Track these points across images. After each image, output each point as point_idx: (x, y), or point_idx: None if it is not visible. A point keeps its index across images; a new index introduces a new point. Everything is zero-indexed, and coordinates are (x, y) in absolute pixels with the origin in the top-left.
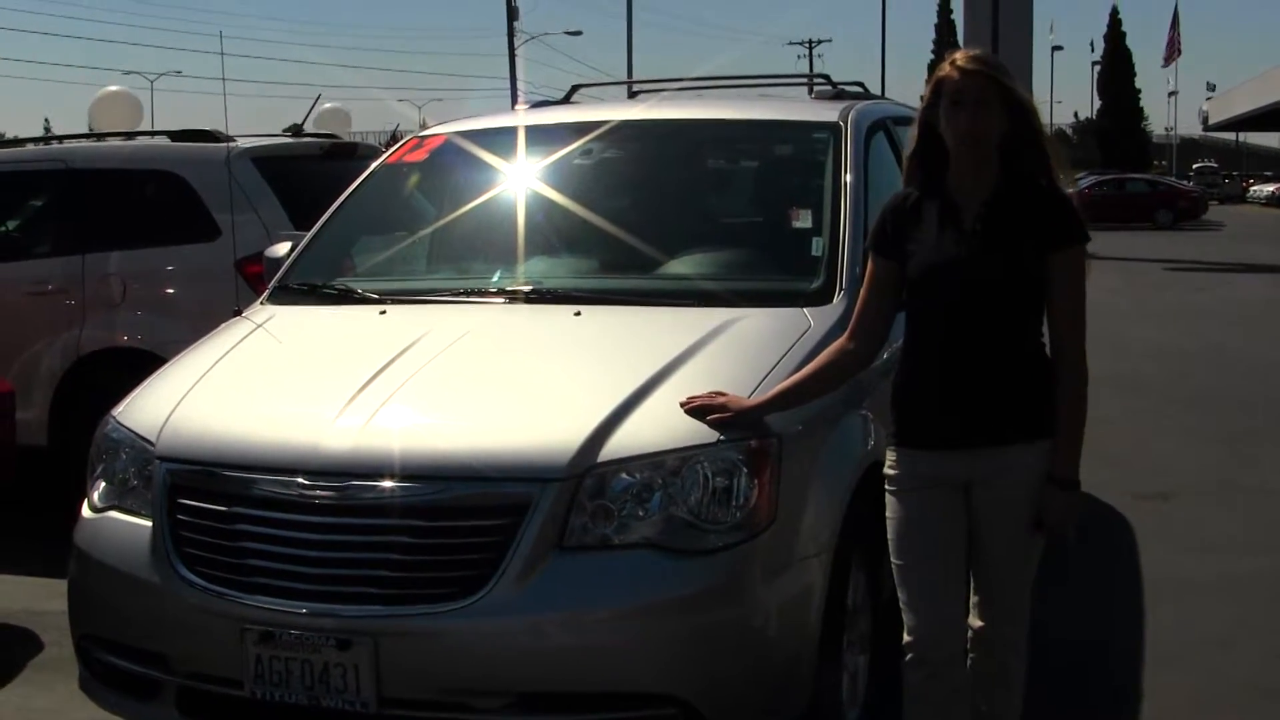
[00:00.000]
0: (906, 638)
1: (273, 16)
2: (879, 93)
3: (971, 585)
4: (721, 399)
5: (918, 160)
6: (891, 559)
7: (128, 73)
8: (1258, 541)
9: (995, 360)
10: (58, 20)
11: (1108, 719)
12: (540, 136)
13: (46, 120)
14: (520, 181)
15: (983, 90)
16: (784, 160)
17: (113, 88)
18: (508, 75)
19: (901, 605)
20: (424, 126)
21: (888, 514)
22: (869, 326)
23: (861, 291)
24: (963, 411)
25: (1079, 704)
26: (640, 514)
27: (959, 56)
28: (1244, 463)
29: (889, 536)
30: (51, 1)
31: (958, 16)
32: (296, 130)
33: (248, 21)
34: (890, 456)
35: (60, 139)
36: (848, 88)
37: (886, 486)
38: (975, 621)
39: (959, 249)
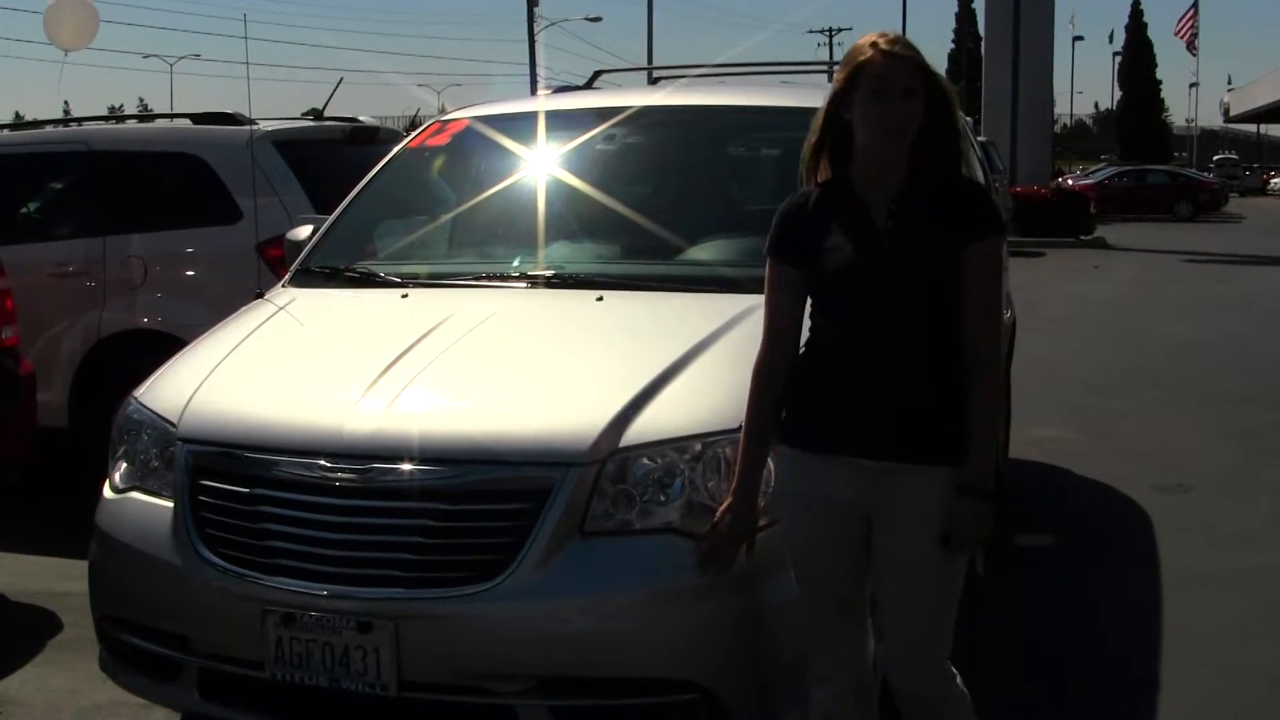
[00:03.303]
0: (809, 682)
1: (295, 0)
2: None
3: (886, 642)
4: (725, 526)
5: (822, 154)
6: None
7: (147, 56)
8: (1274, 535)
9: (906, 367)
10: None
11: (1128, 713)
12: (562, 122)
13: (66, 103)
14: (542, 166)
15: (910, 78)
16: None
17: None
18: (527, 61)
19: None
20: (443, 111)
21: (782, 527)
22: (784, 331)
23: (766, 296)
24: (867, 419)
25: (1099, 697)
26: (662, 499)
27: (880, 40)
28: (1264, 456)
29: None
30: None
31: (978, 5)
32: (318, 114)
33: (267, 5)
34: (783, 459)
35: (80, 121)
36: None
37: (778, 494)
38: (893, 674)
39: (872, 249)
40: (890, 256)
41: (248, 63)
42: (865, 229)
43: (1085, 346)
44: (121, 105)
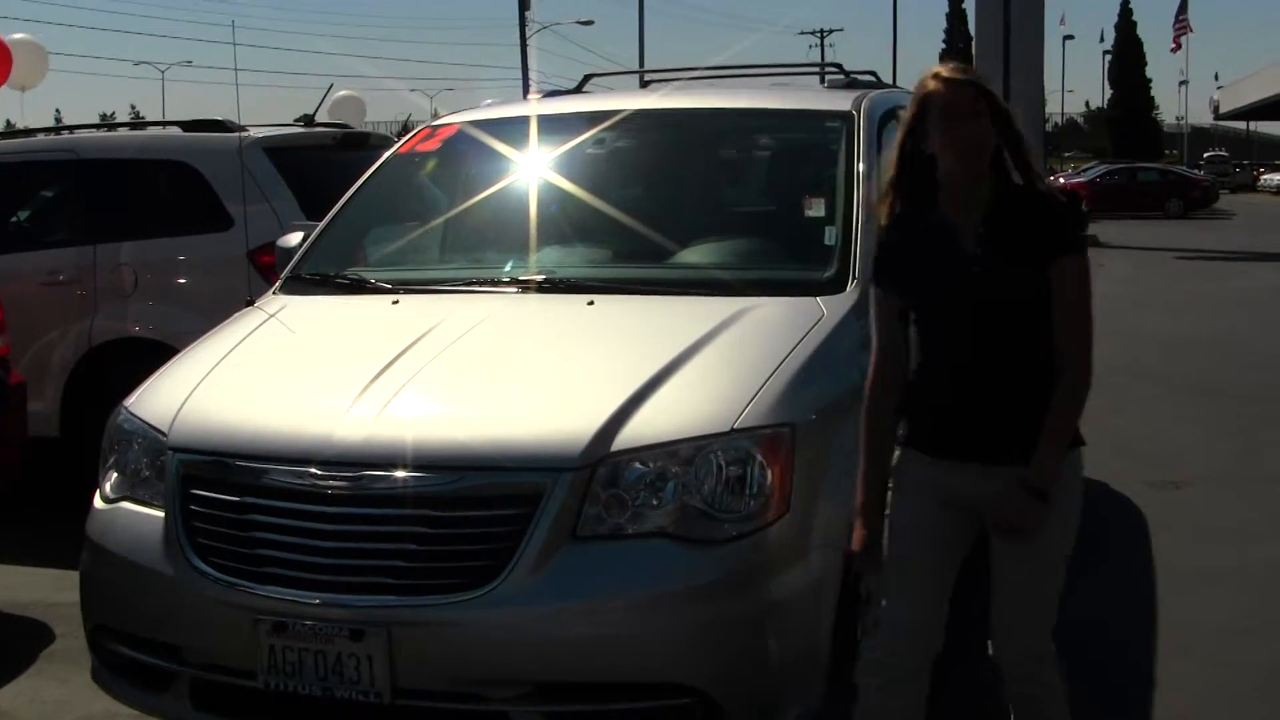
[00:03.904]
0: (875, 640)
1: (285, 6)
2: (892, 82)
3: (991, 615)
4: (859, 541)
5: (901, 189)
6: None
7: (138, 63)
8: (1270, 530)
9: (1008, 377)
10: (66, 10)
11: (1127, 709)
12: (553, 126)
13: (57, 110)
14: (533, 171)
15: (975, 100)
16: (797, 149)
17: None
18: (519, 65)
19: (882, 610)
20: (435, 116)
21: (888, 511)
22: (893, 356)
23: (873, 321)
24: (978, 427)
25: (1098, 694)
26: (654, 503)
27: (941, 70)
28: (1256, 451)
29: (886, 534)
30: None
31: (969, 5)
32: (308, 120)
33: (260, 11)
34: (898, 456)
35: (71, 129)
36: (860, 77)
37: (891, 484)
38: (997, 650)
39: (964, 272)
40: (982, 279)
41: (235, 69)
42: (957, 253)
43: None
44: (113, 113)
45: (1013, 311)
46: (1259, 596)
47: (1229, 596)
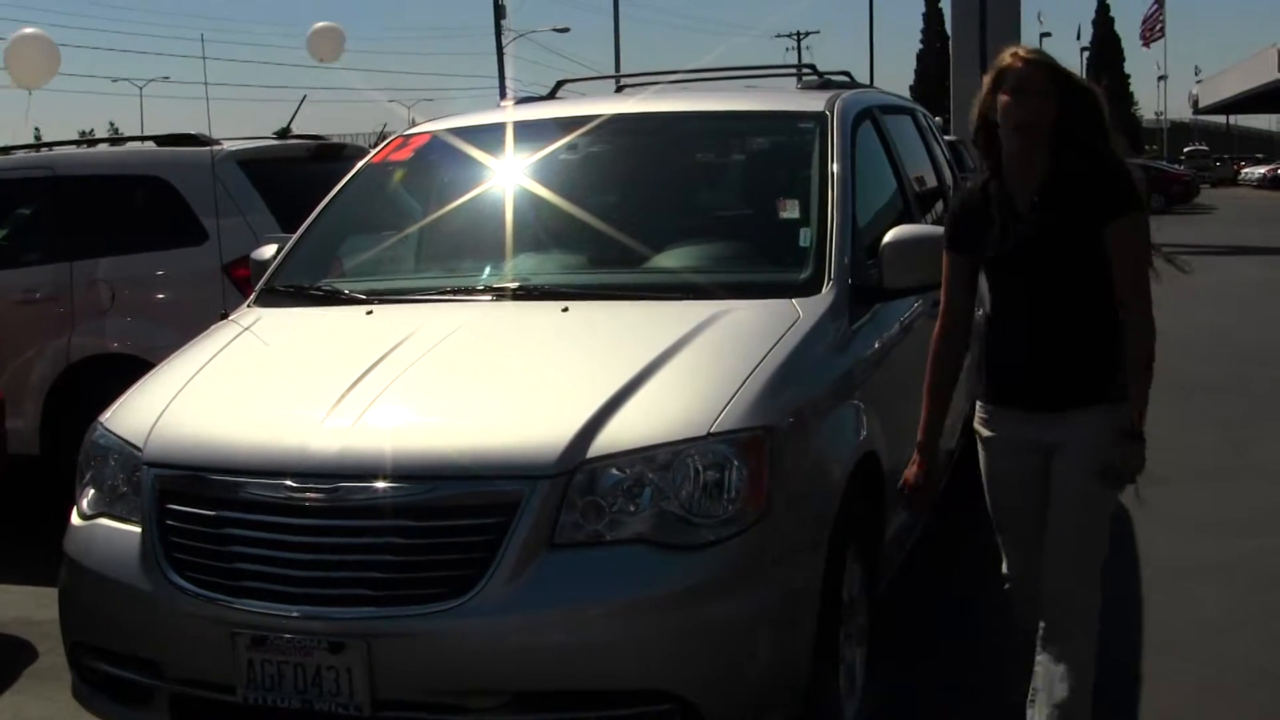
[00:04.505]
0: (1005, 579)
1: (263, 20)
2: (868, 82)
3: (1044, 548)
4: (914, 476)
5: (981, 147)
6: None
7: (116, 80)
8: (1254, 525)
9: (1067, 331)
10: (43, 28)
11: (1110, 705)
12: (525, 133)
13: (37, 129)
14: (506, 178)
15: (1045, 80)
16: (770, 151)
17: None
18: (497, 73)
19: (1002, 552)
20: (413, 126)
21: (980, 465)
22: (957, 315)
23: (944, 284)
24: (1041, 379)
25: None
26: (631, 509)
27: (1020, 49)
28: (1239, 446)
29: (986, 491)
30: (36, 10)
31: (945, 5)
32: (283, 133)
33: (237, 25)
34: (978, 411)
35: (50, 146)
36: (834, 77)
37: (978, 439)
38: (1045, 586)
39: (1018, 236)
40: (1033, 242)
41: (205, 83)
42: (1015, 218)
43: None
44: (92, 129)
45: (1067, 272)
46: (1242, 591)
47: (1212, 592)
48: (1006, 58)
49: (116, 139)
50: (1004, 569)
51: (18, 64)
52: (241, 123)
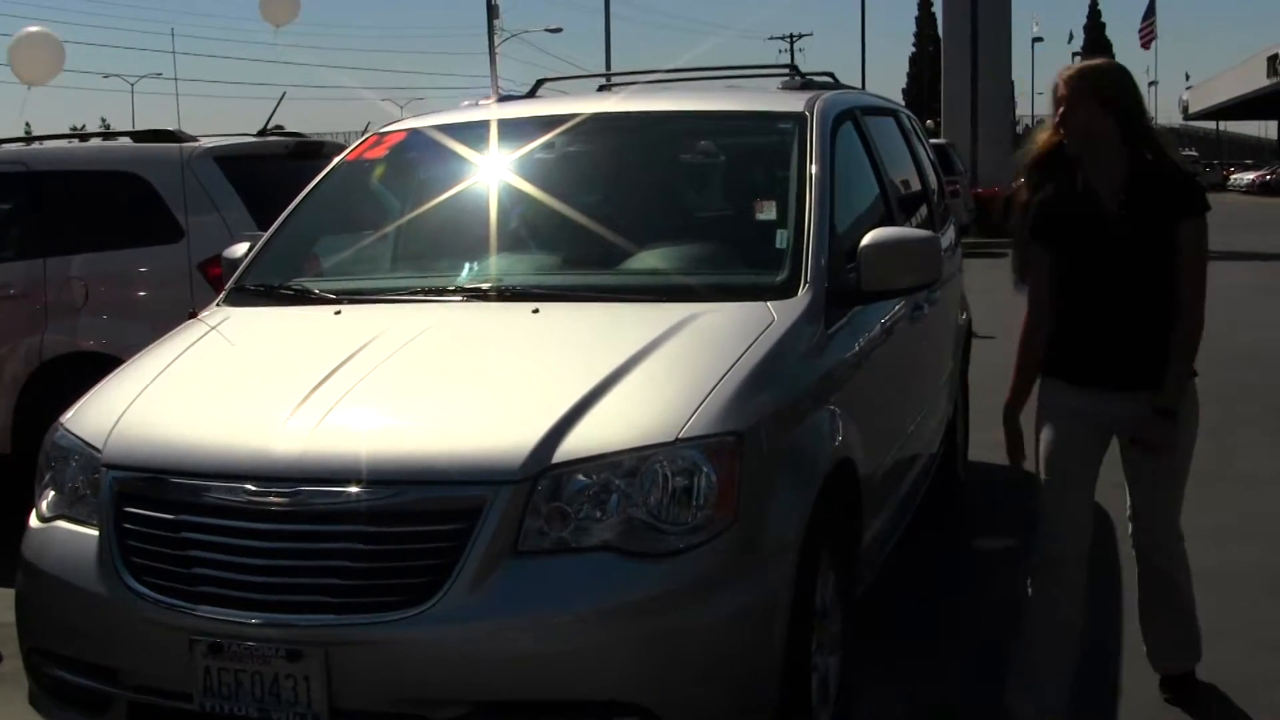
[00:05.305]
0: (1039, 541)
1: (257, 17)
2: (860, 85)
3: (1129, 513)
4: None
5: (1042, 166)
6: (1039, 473)
7: (107, 76)
8: (1238, 532)
9: (1136, 317)
10: (32, 23)
11: (1096, 713)
12: (502, 131)
13: (28, 125)
14: (481, 176)
15: (1082, 95)
16: (749, 152)
17: (32, 28)
18: (489, 73)
19: (1040, 515)
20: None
21: (1036, 436)
22: (1043, 303)
23: (1031, 275)
24: (1109, 359)
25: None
26: (598, 516)
27: (1065, 71)
28: (1225, 453)
29: (1039, 454)
30: (29, 5)
31: (939, 10)
32: (262, 130)
33: (230, 22)
34: (1042, 385)
35: (41, 139)
36: (816, 78)
37: (1043, 408)
38: (1135, 537)
39: (1106, 227)
40: (1121, 237)
41: (175, 79)
42: (1100, 214)
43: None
44: (84, 125)
45: (1144, 265)
46: (1225, 599)
47: (1199, 598)
48: (1059, 81)
49: (86, 134)
50: (1041, 538)
51: (22, 61)
52: (236, 120)
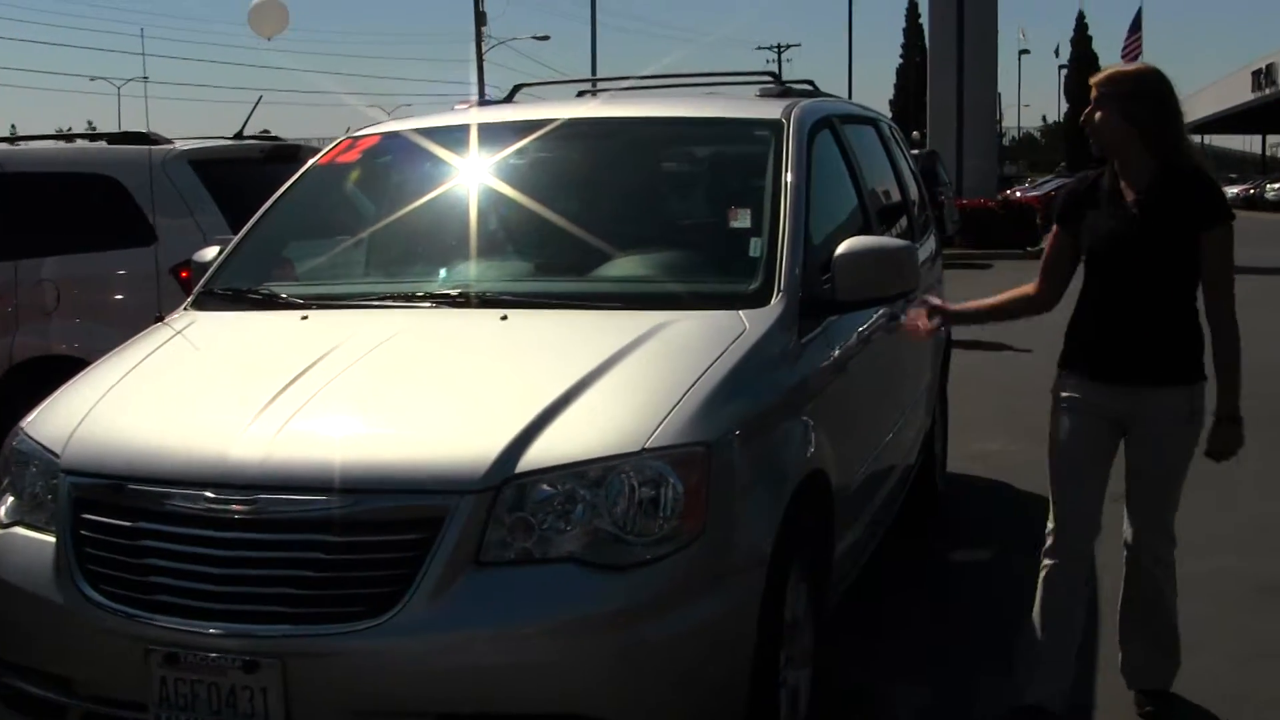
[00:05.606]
0: (1048, 529)
1: (244, 21)
2: (847, 96)
3: (1126, 508)
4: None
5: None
6: (1049, 465)
7: (94, 79)
8: (1225, 541)
9: (1149, 317)
10: (21, 25)
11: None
12: (477, 136)
13: (14, 126)
14: (454, 181)
15: (1104, 101)
16: (724, 159)
17: None
18: (476, 80)
19: (1050, 504)
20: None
21: (1050, 427)
22: (1050, 281)
23: (1045, 252)
24: (1120, 355)
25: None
26: (563, 527)
27: (1097, 76)
28: (1212, 462)
29: (1049, 445)
30: (15, 6)
31: (925, 20)
32: (238, 134)
33: (218, 26)
34: (1057, 379)
35: (29, 139)
36: (795, 86)
37: (1057, 401)
38: (1127, 533)
39: (1124, 225)
40: (1133, 234)
41: (145, 80)
42: (1122, 212)
43: (1032, 358)
44: (70, 127)
45: (1161, 266)
46: (1211, 608)
47: (1187, 609)
48: (1091, 87)
49: (60, 135)
50: (1050, 527)
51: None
52: (221, 124)
